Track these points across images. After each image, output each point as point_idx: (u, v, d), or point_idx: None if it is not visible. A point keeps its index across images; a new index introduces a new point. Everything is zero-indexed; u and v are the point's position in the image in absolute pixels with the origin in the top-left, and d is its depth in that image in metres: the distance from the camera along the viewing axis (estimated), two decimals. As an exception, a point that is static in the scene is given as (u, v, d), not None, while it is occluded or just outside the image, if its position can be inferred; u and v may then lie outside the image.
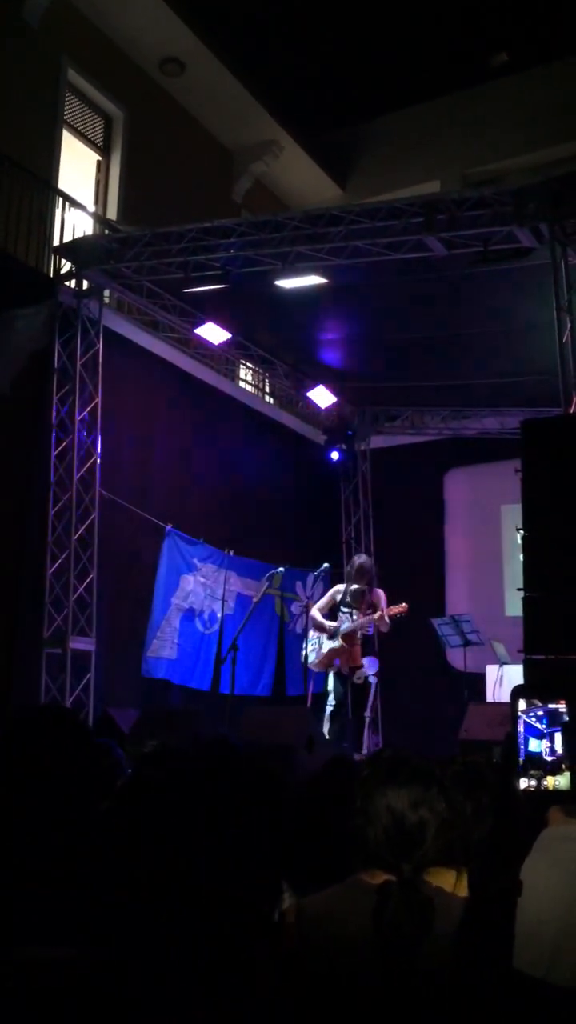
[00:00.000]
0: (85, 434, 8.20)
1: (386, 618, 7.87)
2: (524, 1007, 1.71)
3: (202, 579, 9.31)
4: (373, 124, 12.92)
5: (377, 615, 7.87)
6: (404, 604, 7.83)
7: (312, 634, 8.26)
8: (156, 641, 8.74)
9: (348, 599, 7.96)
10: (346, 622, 7.97)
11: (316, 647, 8.11)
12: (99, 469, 8.21)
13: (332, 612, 8.16)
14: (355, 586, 8.02)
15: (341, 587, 8.08)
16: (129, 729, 7.06)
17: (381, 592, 8.10)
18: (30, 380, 7.99)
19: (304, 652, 8.33)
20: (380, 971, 1.74)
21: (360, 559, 8.27)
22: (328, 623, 8.07)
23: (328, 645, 7.98)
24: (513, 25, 11.26)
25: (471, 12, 11.08)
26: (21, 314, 7.92)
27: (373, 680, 8.19)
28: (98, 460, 8.21)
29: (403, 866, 1.82)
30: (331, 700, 7.87)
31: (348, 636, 7.96)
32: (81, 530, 8.01)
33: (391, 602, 7.98)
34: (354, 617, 7.97)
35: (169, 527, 8.92)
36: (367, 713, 8.11)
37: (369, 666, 8.16)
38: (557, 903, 1.91)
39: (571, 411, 6.32)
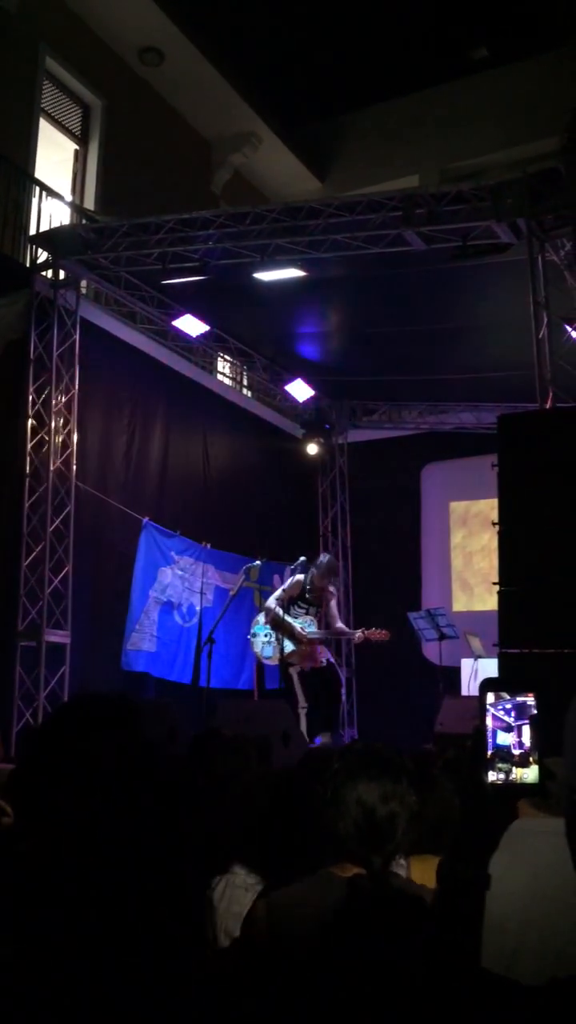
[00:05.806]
0: (61, 425, 8.14)
1: (357, 634, 7.90)
2: (488, 1003, 1.72)
3: (180, 572, 9.27)
4: (352, 117, 12.89)
5: (358, 635, 7.88)
6: (385, 632, 7.84)
7: (262, 620, 8.19)
8: (135, 634, 8.70)
9: (309, 596, 7.92)
10: (310, 625, 7.92)
11: (272, 640, 8.01)
12: (75, 461, 8.16)
13: (288, 604, 8.06)
14: (321, 583, 7.94)
15: (301, 578, 8.01)
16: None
17: (334, 589, 8.12)
18: (6, 370, 7.91)
19: (254, 641, 8.25)
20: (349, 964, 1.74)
21: (326, 558, 8.21)
22: (296, 628, 7.95)
23: (290, 646, 7.90)
24: (492, 20, 11.28)
25: (451, 6, 11.09)
26: (-3, 303, 7.85)
27: (333, 660, 8.21)
28: (74, 452, 8.16)
29: (373, 859, 1.83)
30: (303, 702, 7.80)
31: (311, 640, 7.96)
32: (56, 522, 7.95)
33: (372, 610, 7.92)
34: (310, 613, 7.96)
35: (146, 520, 8.88)
36: (342, 702, 8.12)
37: (325, 653, 8.17)
38: (519, 898, 1.91)
39: (547, 406, 6.36)
